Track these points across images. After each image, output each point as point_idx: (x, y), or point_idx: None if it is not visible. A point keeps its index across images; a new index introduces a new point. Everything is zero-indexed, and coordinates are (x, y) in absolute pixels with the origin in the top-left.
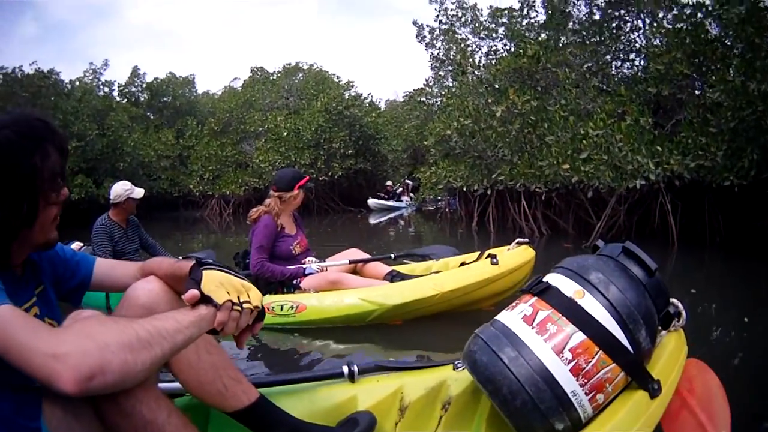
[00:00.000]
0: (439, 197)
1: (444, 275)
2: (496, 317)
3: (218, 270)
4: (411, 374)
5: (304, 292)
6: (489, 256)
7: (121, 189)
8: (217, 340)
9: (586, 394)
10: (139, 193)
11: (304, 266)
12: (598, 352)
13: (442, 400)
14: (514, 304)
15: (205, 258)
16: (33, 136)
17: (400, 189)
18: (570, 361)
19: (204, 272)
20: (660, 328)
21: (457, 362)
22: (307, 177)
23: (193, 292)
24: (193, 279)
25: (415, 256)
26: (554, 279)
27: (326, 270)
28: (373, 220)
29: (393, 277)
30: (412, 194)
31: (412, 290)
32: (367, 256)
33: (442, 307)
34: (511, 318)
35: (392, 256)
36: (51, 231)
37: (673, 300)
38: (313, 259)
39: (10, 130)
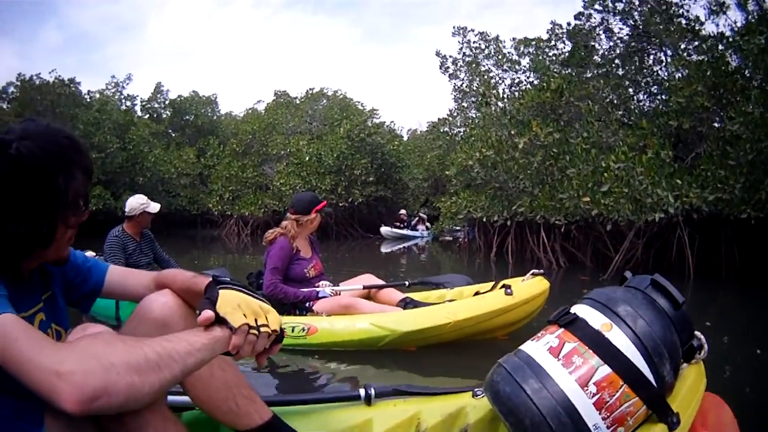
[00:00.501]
0: (457, 227)
1: (457, 304)
2: (520, 347)
3: (236, 290)
4: (429, 400)
5: (316, 315)
6: (503, 286)
7: (136, 202)
8: None
9: (608, 428)
10: (154, 207)
11: (317, 289)
12: (622, 386)
13: (460, 427)
14: (539, 334)
15: (222, 276)
16: (59, 154)
17: (416, 219)
18: (594, 395)
19: (220, 292)
20: (682, 360)
21: (476, 390)
22: (325, 202)
23: (207, 314)
24: (209, 299)
25: (429, 284)
26: (582, 310)
27: (339, 294)
28: (385, 249)
29: (406, 304)
30: (428, 224)
31: (424, 318)
32: (381, 282)
33: (455, 335)
34: (536, 349)
35: (406, 283)
36: (65, 250)
37: (697, 333)
38: (327, 282)
39: (35, 144)
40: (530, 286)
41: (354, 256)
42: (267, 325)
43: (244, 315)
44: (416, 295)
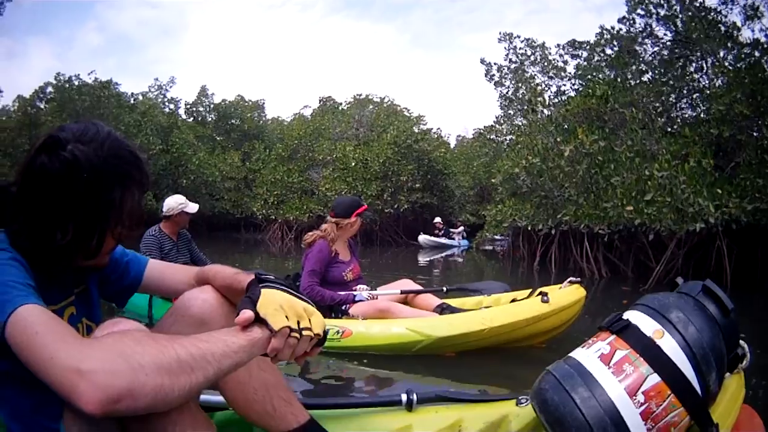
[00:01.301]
0: (497, 236)
1: (493, 310)
2: (570, 354)
3: (280, 289)
4: (472, 407)
5: (352, 318)
6: (540, 293)
7: (174, 202)
8: None
9: None
10: (193, 207)
11: (354, 293)
12: (669, 395)
13: None
14: (590, 341)
15: (266, 274)
16: (119, 168)
17: (457, 229)
18: (642, 404)
19: (263, 291)
20: (726, 370)
21: (520, 397)
22: (366, 205)
23: (246, 315)
24: (249, 297)
25: (466, 290)
26: (634, 317)
27: (377, 298)
28: (422, 258)
29: (443, 309)
30: (464, 233)
31: (460, 323)
32: (418, 287)
33: (490, 342)
34: (586, 356)
35: (444, 289)
36: (106, 258)
37: (741, 342)
38: (365, 286)
39: (93, 151)
40: (567, 294)
41: (398, 263)
42: (310, 328)
43: (286, 317)
44: (453, 302)
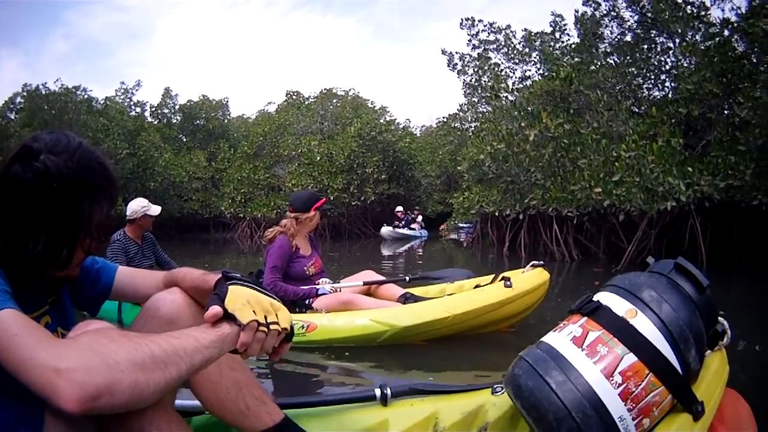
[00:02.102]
0: (462, 224)
1: (457, 297)
2: (542, 339)
3: (247, 286)
4: (447, 398)
5: (316, 312)
6: (503, 278)
7: (137, 206)
8: None
9: (633, 419)
10: (155, 210)
11: (317, 287)
12: (648, 374)
13: (479, 425)
14: (561, 324)
15: (232, 272)
16: (88, 179)
17: (413, 216)
18: (620, 385)
19: (230, 288)
20: (706, 347)
21: (495, 386)
22: (324, 199)
23: (214, 310)
24: (217, 294)
25: (429, 278)
26: (605, 298)
27: (339, 291)
28: (386, 251)
29: (406, 299)
30: (422, 222)
31: (423, 312)
32: (381, 278)
33: (455, 329)
34: (559, 339)
35: (407, 278)
36: (76, 269)
37: (720, 318)
38: (327, 280)
39: (63, 162)
40: (530, 278)
41: (367, 255)
42: (277, 323)
43: (254, 311)
44: (417, 290)
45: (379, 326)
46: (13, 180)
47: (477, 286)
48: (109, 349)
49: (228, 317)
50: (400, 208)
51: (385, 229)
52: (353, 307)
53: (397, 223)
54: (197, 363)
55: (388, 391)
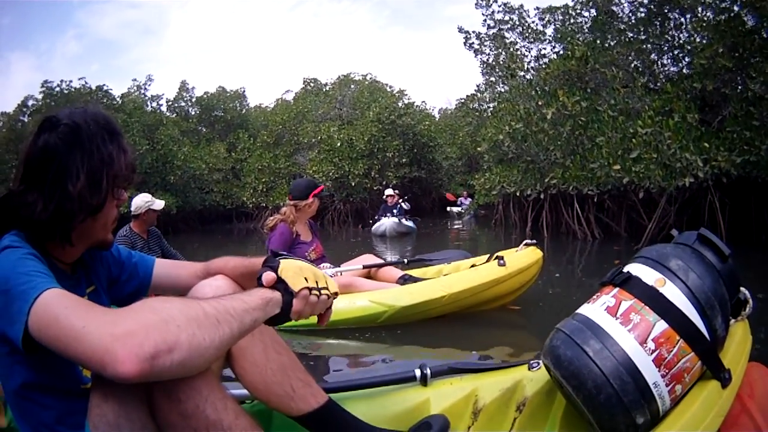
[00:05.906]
0: (466, 212)
1: (452, 277)
2: (576, 311)
3: (295, 259)
4: (485, 376)
5: None
6: (497, 257)
7: (141, 201)
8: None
9: (666, 385)
10: (159, 204)
11: None
12: (679, 341)
13: (517, 401)
14: (594, 297)
15: (281, 252)
16: (110, 128)
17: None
18: (653, 351)
19: (281, 261)
20: (730, 316)
21: (532, 362)
22: (322, 186)
23: (270, 276)
24: (270, 266)
25: (427, 260)
26: (635, 269)
27: (340, 275)
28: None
29: (405, 280)
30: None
31: (421, 292)
32: (380, 261)
33: (452, 308)
34: (593, 310)
35: (405, 260)
36: (109, 231)
37: (742, 288)
38: (328, 265)
39: (85, 119)
40: (523, 257)
41: (387, 239)
42: (327, 288)
43: (306, 279)
44: (415, 272)
45: (378, 307)
46: (42, 147)
47: (473, 266)
48: (163, 308)
49: (280, 284)
50: (390, 191)
51: (389, 222)
52: (354, 290)
53: (388, 214)
54: (247, 323)
55: (428, 371)
